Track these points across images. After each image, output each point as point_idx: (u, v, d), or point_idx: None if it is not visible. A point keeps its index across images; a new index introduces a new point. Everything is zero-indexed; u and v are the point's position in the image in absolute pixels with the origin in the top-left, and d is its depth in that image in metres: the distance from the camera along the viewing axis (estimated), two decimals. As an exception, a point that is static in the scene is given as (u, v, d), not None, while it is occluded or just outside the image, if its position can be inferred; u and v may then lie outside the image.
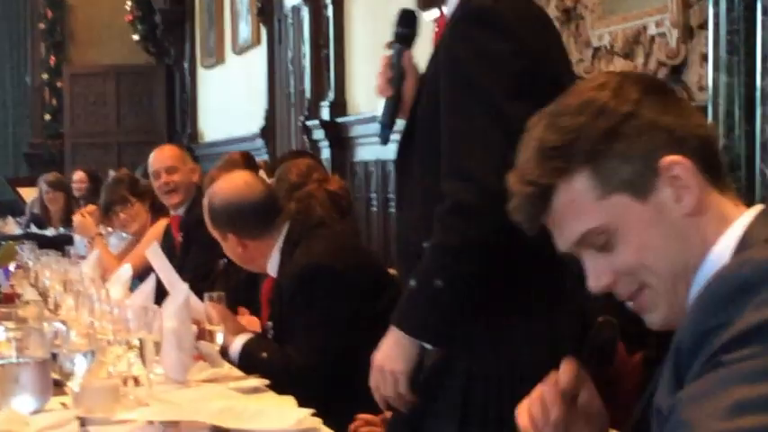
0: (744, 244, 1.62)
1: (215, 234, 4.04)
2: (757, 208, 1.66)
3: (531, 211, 1.72)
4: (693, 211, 1.65)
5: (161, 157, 5.95)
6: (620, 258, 1.68)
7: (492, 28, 2.62)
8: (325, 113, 8.00)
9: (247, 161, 5.76)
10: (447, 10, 2.85)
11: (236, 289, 4.93)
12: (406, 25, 2.99)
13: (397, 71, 2.93)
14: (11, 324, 3.43)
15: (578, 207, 1.68)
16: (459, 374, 2.69)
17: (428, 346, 2.65)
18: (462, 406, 2.68)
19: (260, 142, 10.05)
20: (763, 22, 3.25)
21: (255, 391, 3.30)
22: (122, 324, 3.30)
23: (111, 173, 11.32)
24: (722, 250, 1.63)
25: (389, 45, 2.97)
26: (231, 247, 4.01)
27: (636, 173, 1.65)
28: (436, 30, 2.96)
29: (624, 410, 3.24)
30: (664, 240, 1.65)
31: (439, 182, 2.63)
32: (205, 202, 4.10)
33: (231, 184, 4.04)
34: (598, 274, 1.70)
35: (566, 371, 1.78)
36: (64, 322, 3.45)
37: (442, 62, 2.72)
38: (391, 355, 2.68)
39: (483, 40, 2.61)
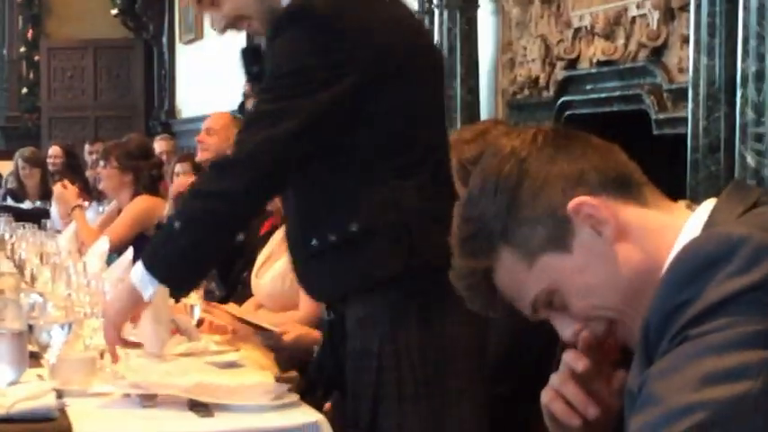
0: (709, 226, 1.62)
1: None
2: (713, 201, 1.66)
3: (485, 299, 1.74)
4: (619, 237, 1.65)
5: (210, 118, 6.50)
6: (575, 310, 1.68)
7: (306, 26, 2.63)
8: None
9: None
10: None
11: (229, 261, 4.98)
12: (254, 63, 3.03)
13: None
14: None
15: (516, 280, 1.69)
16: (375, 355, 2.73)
17: (147, 292, 2.71)
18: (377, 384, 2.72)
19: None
20: (744, 4, 3.26)
21: (232, 365, 3.30)
22: (99, 297, 3.30)
23: (87, 147, 11.32)
24: (688, 234, 1.62)
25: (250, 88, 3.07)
26: None
27: (549, 230, 1.66)
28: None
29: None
30: (604, 276, 1.65)
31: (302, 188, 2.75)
32: None
33: None
34: (564, 328, 1.71)
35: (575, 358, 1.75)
36: (41, 294, 3.44)
37: (267, 57, 2.79)
38: (119, 294, 2.82)
39: (297, 38, 2.63)
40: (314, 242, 2.71)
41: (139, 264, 2.73)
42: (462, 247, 1.72)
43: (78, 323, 3.09)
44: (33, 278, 4.24)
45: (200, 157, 6.27)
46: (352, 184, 2.67)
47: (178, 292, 2.85)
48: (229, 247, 2.90)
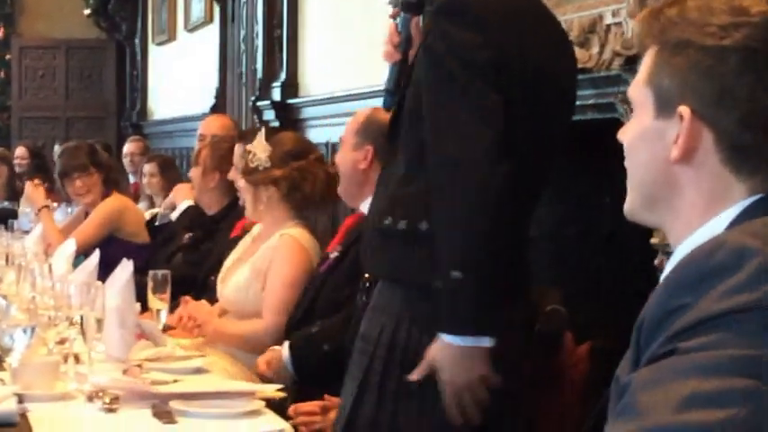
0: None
1: (351, 140, 3.90)
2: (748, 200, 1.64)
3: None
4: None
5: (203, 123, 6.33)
6: None
7: (460, 18, 2.66)
8: (277, 94, 7.95)
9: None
10: None
11: (198, 262, 4.94)
12: None
13: (404, 37, 2.95)
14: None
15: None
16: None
17: (485, 342, 2.61)
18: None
19: (210, 121, 9.99)
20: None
21: (198, 371, 3.27)
22: (64, 300, 3.27)
23: (57, 147, 11.25)
24: (709, 231, 1.61)
25: (395, 13, 3.00)
26: (357, 158, 3.86)
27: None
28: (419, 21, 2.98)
29: (569, 405, 3.26)
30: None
31: (416, 170, 2.69)
32: (361, 113, 4.01)
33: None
34: None
35: None
36: (4, 297, 3.40)
37: (421, 56, 2.77)
38: (453, 363, 2.62)
39: (454, 32, 2.65)
40: (387, 221, 2.73)
41: (444, 336, 2.62)
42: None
43: (42, 327, 3.06)
44: (-1, 281, 4.21)
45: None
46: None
47: (497, 330, 2.68)
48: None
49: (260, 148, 4.26)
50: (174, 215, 5.89)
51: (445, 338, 2.60)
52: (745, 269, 1.40)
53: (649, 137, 1.69)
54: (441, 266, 2.58)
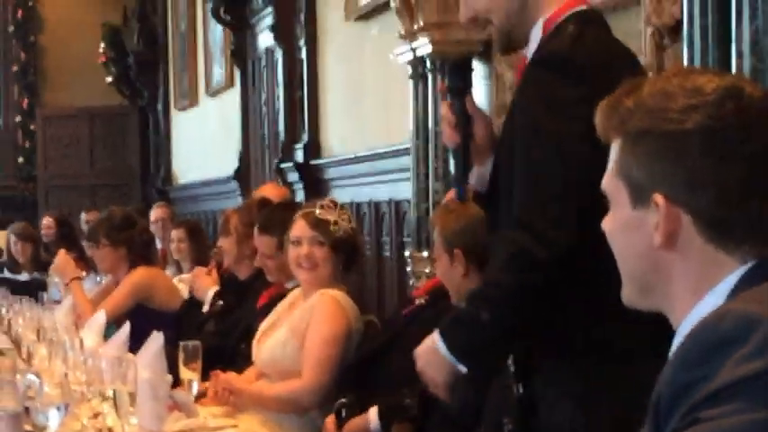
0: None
1: (443, 255, 3.83)
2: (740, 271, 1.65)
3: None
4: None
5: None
6: None
7: (564, 73, 2.66)
8: (300, 155, 8.00)
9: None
10: (527, 52, 2.88)
11: (228, 332, 4.95)
12: (459, 78, 3.01)
13: (461, 117, 2.93)
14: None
15: None
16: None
17: (462, 368, 2.69)
18: None
19: (234, 185, 10.03)
20: (737, 65, 3.26)
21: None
22: (96, 374, 3.28)
23: (84, 215, 11.32)
24: (708, 306, 1.62)
25: (443, 95, 2.99)
26: (458, 271, 3.76)
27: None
28: (516, 73, 3.00)
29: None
30: None
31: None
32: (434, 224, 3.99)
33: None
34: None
35: None
36: (37, 374, 3.41)
37: (517, 104, 2.79)
38: (431, 362, 2.74)
39: (554, 85, 2.66)
40: None
41: (443, 344, 2.70)
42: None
43: (75, 403, 3.07)
44: (30, 355, 4.22)
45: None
46: None
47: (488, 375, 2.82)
48: None
49: (337, 216, 4.31)
50: (206, 308, 5.85)
51: (437, 338, 2.71)
52: (752, 339, 1.44)
53: (630, 227, 1.70)
54: (478, 297, 2.70)
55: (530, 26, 2.84)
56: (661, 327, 1.74)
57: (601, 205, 2.56)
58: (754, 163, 1.63)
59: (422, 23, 5.30)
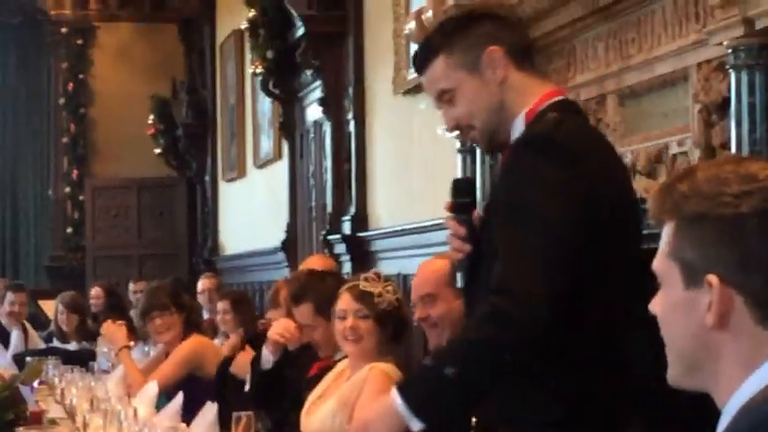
0: None
1: (448, 291, 3.87)
2: None
3: None
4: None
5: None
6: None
7: (548, 154, 2.70)
8: (347, 227, 8.06)
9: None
10: (511, 137, 2.92)
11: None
12: (464, 195, 3.06)
13: (469, 230, 2.97)
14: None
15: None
16: None
17: (415, 425, 2.67)
18: None
19: (281, 256, 10.09)
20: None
21: None
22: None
23: (132, 285, 11.41)
24: (755, 386, 1.65)
25: (451, 211, 3.02)
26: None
27: None
28: (501, 158, 3.06)
29: None
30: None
31: None
32: (442, 264, 4.01)
33: None
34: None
35: None
36: None
37: (500, 184, 2.86)
38: (382, 415, 2.71)
39: (538, 164, 2.70)
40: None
41: (400, 400, 2.69)
42: None
43: None
44: (85, 425, 4.26)
45: None
46: None
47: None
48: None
49: (381, 288, 4.35)
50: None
51: (394, 392, 2.69)
52: None
53: (682, 307, 1.72)
54: (444, 353, 2.77)
55: (511, 122, 2.89)
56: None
57: (584, 286, 2.65)
58: None
59: None
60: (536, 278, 2.59)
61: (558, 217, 2.63)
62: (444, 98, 2.92)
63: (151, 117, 14.07)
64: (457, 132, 3.07)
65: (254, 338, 6.13)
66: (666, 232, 1.75)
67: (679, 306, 1.73)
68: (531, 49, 3.03)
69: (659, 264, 1.76)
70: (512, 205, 2.73)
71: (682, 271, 1.72)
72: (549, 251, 2.61)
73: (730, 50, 3.55)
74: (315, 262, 6.64)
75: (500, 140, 2.91)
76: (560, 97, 2.92)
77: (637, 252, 2.82)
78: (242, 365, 5.87)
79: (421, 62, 2.92)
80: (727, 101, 3.73)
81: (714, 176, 1.72)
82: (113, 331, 6.52)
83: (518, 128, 2.87)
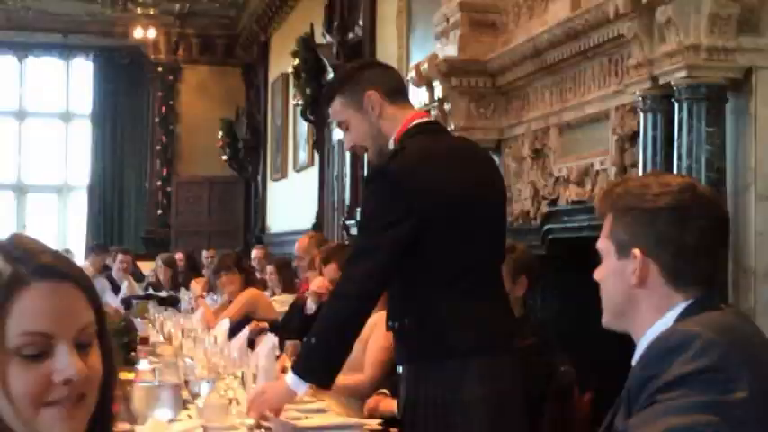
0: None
1: None
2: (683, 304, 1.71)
3: None
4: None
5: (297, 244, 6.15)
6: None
7: (383, 182, 2.59)
8: (359, 216, 8.03)
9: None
10: None
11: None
12: None
13: None
14: (154, 358, 3.49)
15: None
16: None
17: (300, 388, 2.62)
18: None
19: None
20: (677, 165, 3.31)
21: (320, 411, 3.31)
22: (229, 361, 3.37)
23: (204, 253, 11.41)
24: (662, 326, 1.69)
25: None
26: None
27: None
28: None
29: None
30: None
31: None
32: None
33: None
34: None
35: None
36: (191, 358, 3.51)
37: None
38: (276, 389, 2.68)
39: (377, 191, 2.61)
40: (391, 323, 2.70)
41: (290, 371, 2.66)
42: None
43: (218, 379, 3.15)
44: (180, 347, 4.31)
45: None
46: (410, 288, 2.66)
47: (325, 383, 2.71)
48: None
49: None
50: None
51: (290, 374, 2.64)
52: (692, 347, 1.52)
53: (614, 273, 1.74)
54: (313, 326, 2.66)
55: (388, 143, 2.73)
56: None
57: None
58: (703, 233, 1.70)
59: (453, 126, 5.18)
60: (355, 267, 2.57)
61: (387, 248, 2.54)
62: (342, 126, 2.79)
63: (220, 134, 14.05)
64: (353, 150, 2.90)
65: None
66: (606, 221, 1.77)
67: (612, 271, 1.75)
68: (402, 86, 2.82)
69: (601, 243, 1.78)
70: (360, 218, 2.68)
71: (615, 247, 1.74)
72: (376, 257, 2.55)
73: (640, 98, 3.54)
74: (304, 239, 6.64)
75: (386, 157, 2.71)
76: (420, 120, 2.74)
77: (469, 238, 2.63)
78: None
79: (326, 100, 2.80)
80: (636, 134, 3.73)
81: (640, 183, 1.77)
82: (194, 285, 6.57)
83: (392, 147, 2.72)
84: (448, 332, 2.59)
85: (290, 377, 2.64)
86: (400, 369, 2.87)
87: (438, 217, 2.58)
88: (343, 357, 2.66)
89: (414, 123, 2.72)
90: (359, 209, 2.80)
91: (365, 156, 2.86)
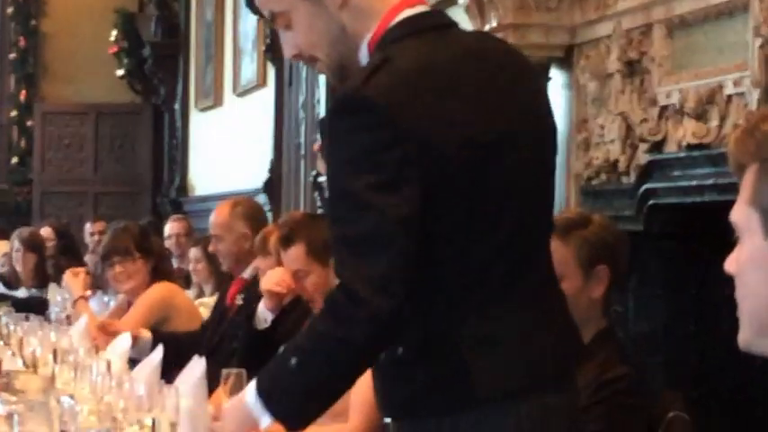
0: None
1: None
2: None
3: None
4: None
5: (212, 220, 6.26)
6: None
7: (358, 118, 2.57)
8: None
9: None
10: None
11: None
12: None
13: None
14: (10, 397, 3.50)
15: None
16: None
17: (265, 420, 2.67)
18: None
19: (263, 198, 10.07)
20: None
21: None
22: (133, 401, 3.39)
23: (89, 226, 11.44)
24: None
25: (321, 152, 3.06)
26: None
27: None
28: None
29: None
30: None
31: None
32: None
33: None
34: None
35: None
36: (71, 396, 3.52)
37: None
38: (234, 411, 2.76)
39: (349, 134, 2.58)
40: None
41: (253, 389, 2.69)
42: None
43: (116, 430, 3.17)
44: (53, 379, 4.31)
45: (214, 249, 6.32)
46: None
47: (295, 427, 2.75)
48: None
49: None
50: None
51: (249, 390, 2.71)
52: None
53: (760, 260, 1.75)
54: (290, 345, 2.73)
55: (358, 50, 2.74)
56: None
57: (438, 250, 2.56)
58: None
59: (495, 24, 5.33)
60: (362, 266, 2.54)
61: (384, 194, 2.52)
62: (279, 22, 2.79)
63: (114, 33, 14.07)
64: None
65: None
66: (747, 177, 1.77)
67: (757, 258, 1.75)
68: None
69: (737, 213, 1.78)
70: (331, 192, 2.66)
71: (763, 218, 1.75)
72: (375, 237, 2.53)
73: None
74: (223, 208, 6.57)
75: (355, 76, 2.66)
76: (411, 11, 2.71)
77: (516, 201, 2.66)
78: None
79: None
80: (794, 35, 3.76)
81: None
82: (72, 279, 6.58)
83: (364, 60, 2.72)
84: (464, 368, 2.61)
85: (252, 396, 2.68)
86: (388, 420, 2.92)
87: (446, 177, 2.56)
88: (329, 404, 2.71)
89: (401, 17, 2.70)
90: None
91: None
